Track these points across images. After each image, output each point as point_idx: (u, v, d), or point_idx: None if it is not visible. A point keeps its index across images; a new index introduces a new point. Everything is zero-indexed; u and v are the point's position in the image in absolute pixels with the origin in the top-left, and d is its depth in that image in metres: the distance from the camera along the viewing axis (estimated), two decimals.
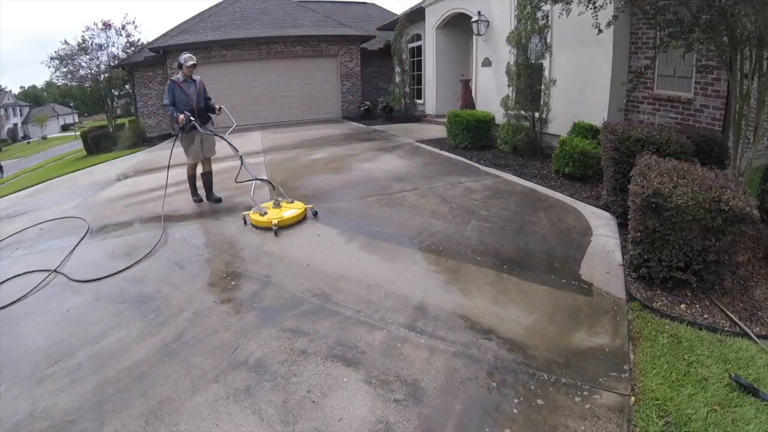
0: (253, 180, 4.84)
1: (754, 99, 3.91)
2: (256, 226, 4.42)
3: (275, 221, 4.28)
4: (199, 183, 5.65)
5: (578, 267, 3.47)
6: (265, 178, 5.28)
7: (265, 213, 4.47)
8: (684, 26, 3.98)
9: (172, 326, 2.87)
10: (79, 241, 4.54)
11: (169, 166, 5.49)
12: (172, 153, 5.44)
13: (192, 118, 5.06)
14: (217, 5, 15.36)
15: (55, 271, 3.83)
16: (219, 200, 5.56)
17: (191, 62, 5.24)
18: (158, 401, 2.23)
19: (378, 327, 2.75)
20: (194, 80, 5.38)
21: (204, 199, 5.66)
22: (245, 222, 4.59)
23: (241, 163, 4.94)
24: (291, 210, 4.57)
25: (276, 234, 4.21)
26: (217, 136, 5.39)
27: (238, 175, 4.94)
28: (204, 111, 5.38)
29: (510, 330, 2.71)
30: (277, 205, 4.66)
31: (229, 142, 5.07)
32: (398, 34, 12.34)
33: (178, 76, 5.31)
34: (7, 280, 3.78)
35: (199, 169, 5.64)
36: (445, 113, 9.22)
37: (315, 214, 4.69)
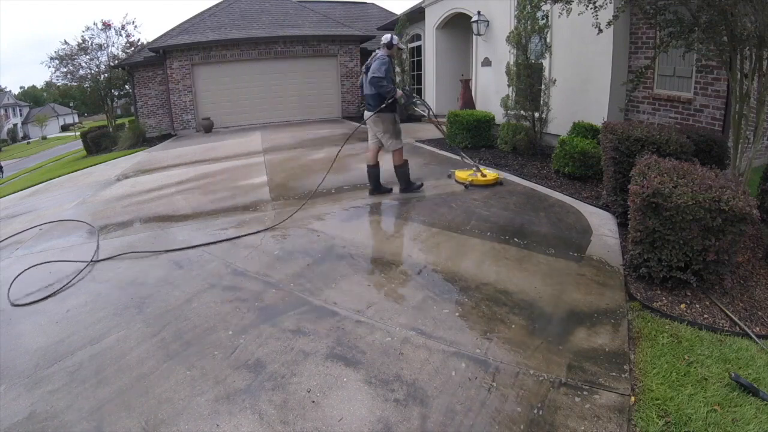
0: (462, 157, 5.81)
1: (754, 99, 3.92)
2: (485, 185, 5.43)
3: (500, 177, 5.56)
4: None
5: (578, 266, 3.47)
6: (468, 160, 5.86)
7: (485, 175, 5.51)
8: (684, 26, 3.98)
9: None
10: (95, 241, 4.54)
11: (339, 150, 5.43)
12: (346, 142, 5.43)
13: (414, 95, 4.99)
14: (217, 5, 15.36)
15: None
16: (390, 190, 5.35)
17: (403, 46, 5.26)
18: (158, 401, 2.23)
19: None
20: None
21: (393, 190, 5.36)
22: (467, 187, 5.38)
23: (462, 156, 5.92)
24: (492, 170, 5.80)
25: (501, 184, 5.49)
26: (429, 113, 5.51)
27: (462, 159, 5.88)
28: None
29: (507, 332, 2.71)
30: (478, 170, 5.58)
31: (437, 125, 5.90)
32: (398, 34, 12.32)
33: (384, 52, 4.85)
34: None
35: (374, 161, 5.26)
36: (445, 113, 9.22)
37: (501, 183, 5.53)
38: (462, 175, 5.55)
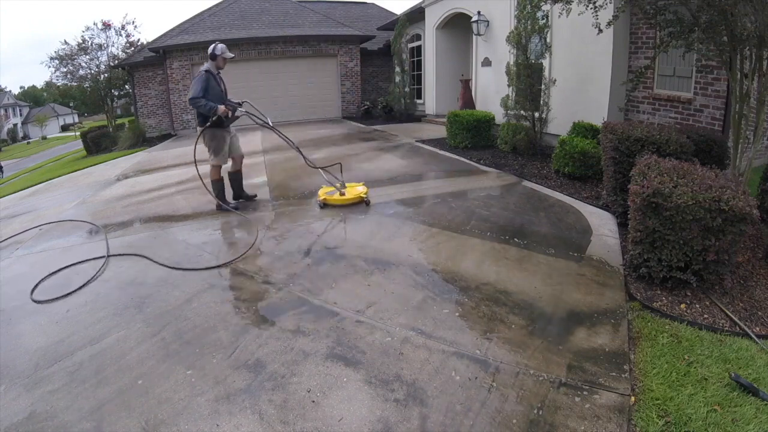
0: (317, 167, 5.19)
1: (754, 99, 3.92)
2: (341, 204, 4.87)
3: (363, 195, 4.89)
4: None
5: (578, 266, 3.47)
6: (337, 163, 5.48)
7: (344, 193, 4.95)
8: (684, 26, 3.98)
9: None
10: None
11: (195, 161, 5.18)
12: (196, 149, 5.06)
13: (240, 108, 4.76)
14: (216, 5, 15.37)
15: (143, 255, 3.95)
16: (254, 197, 5.36)
17: (230, 54, 4.80)
18: (158, 401, 2.23)
19: None
20: (221, 78, 4.93)
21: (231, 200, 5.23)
22: (322, 206, 4.91)
23: (302, 155, 5.26)
24: (360, 186, 5.12)
25: (367, 204, 4.87)
26: (267, 126, 5.14)
27: (306, 160, 5.27)
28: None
29: (505, 335, 2.71)
30: (343, 187, 5.04)
31: (280, 133, 5.25)
32: (398, 34, 12.33)
33: (208, 66, 4.74)
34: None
35: (226, 168, 5.22)
36: (445, 113, 9.22)
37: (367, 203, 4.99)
38: (321, 192, 5.06)
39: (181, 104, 13.39)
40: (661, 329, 2.69)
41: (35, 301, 3.32)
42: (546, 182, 5.63)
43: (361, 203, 4.89)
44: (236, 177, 5.30)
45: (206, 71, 4.71)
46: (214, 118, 4.66)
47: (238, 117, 4.96)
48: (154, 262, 3.81)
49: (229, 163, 5.23)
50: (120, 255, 4.06)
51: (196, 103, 4.59)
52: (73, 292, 3.40)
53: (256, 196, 5.38)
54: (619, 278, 3.29)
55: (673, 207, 2.87)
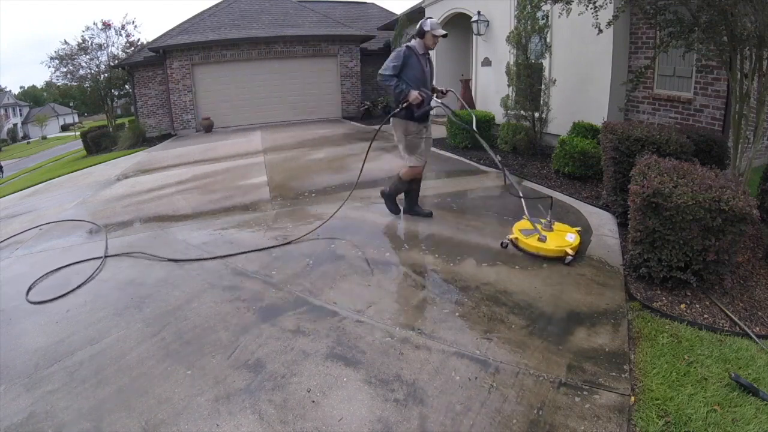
0: (521, 197, 4.02)
1: (754, 99, 3.92)
2: (535, 253, 3.58)
3: (569, 250, 3.46)
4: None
5: (578, 266, 3.46)
6: (547, 197, 4.22)
7: (545, 239, 3.59)
8: (684, 26, 3.98)
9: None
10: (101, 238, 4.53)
11: (366, 155, 4.44)
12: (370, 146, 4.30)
13: (436, 99, 3.98)
14: (216, 5, 15.36)
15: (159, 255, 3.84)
16: (430, 214, 4.43)
17: (441, 32, 3.88)
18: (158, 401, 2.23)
19: None
20: (430, 59, 4.07)
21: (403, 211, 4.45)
22: (506, 246, 3.73)
23: (505, 175, 4.33)
24: (571, 234, 3.70)
25: (567, 263, 3.42)
26: (467, 127, 4.27)
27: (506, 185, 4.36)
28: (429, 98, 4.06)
29: (502, 337, 2.71)
30: (549, 228, 3.75)
31: (483, 142, 4.19)
32: (398, 34, 12.34)
33: (414, 43, 3.96)
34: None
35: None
36: (445, 113, 9.21)
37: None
38: (515, 228, 3.83)
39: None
40: (661, 329, 2.68)
41: (30, 302, 3.32)
42: (546, 182, 5.63)
43: (563, 258, 3.49)
44: (417, 186, 4.37)
45: (408, 47, 3.91)
46: (404, 105, 3.86)
47: (431, 108, 4.10)
48: (153, 256, 3.81)
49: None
50: (117, 255, 4.06)
51: (383, 81, 3.88)
52: (69, 292, 3.40)
53: (431, 214, 4.46)
54: (619, 278, 3.29)
55: (673, 207, 2.86)
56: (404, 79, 3.88)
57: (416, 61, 3.92)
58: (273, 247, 4.00)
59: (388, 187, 4.47)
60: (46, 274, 3.76)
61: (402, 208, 4.51)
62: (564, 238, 3.64)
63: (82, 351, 2.66)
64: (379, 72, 3.94)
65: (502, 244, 3.76)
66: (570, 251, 3.47)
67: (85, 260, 3.98)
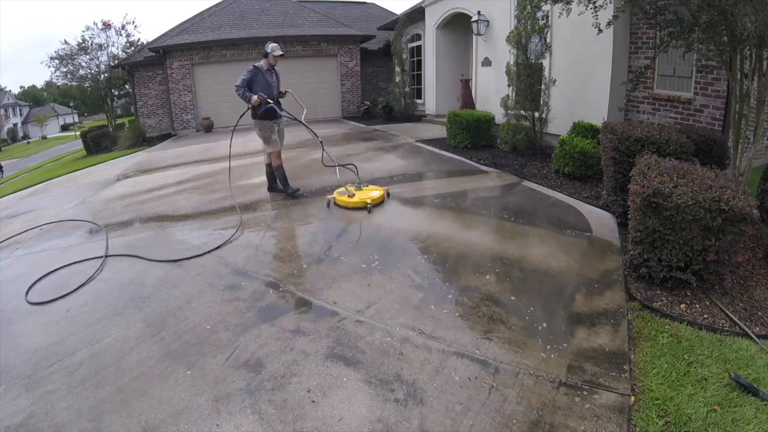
0: (336, 165, 5.26)
1: (754, 99, 3.92)
2: (345, 207, 4.78)
3: (369, 201, 4.68)
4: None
5: (578, 266, 3.46)
6: (351, 164, 5.50)
7: (353, 195, 4.84)
8: (684, 26, 3.98)
9: None
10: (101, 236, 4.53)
11: (230, 155, 5.79)
12: (232, 141, 5.67)
13: (269, 100, 5.03)
14: (216, 5, 15.37)
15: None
16: (299, 193, 5.50)
17: (279, 52, 5.22)
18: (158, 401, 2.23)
19: None
20: (275, 72, 5.34)
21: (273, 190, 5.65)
22: (329, 205, 4.91)
23: (323, 149, 5.42)
24: (375, 191, 4.97)
25: (369, 211, 4.62)
26: (297, 119, 5.43)
27: (322, 159, 5.49)
28: (278, 102, 5.38)
29: (502, 339, 2.71)
30: (359, 188, 5.00)
31: (308, 127, 5.47)
32: (398, 33, 12.33)
33: (261, 63, 5.22)
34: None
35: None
36: (445, 113, 9.23)
37: (388, 195, 5.10)
38: (348, 199, 4.93)
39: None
40: (661, 329, 2.68)
41: (30, 303, 3.32)
42: (546, 182, 5.62)
43: (365, 208, 4.70)
44: (280, 171, 5.55)
45: (255, 66, 5.15)
46: (249, 108, 5.12)
47: (273, 109, 5.20)
48: (147, 259, 3.81)
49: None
50: (117, 255, 4.06)
51: (237, 91, 5.04)
52: (69, 293, 3.40)
53: (299, 190, 5.52)
54: (619, 278, 3.29)
55: (673, 207, 2.86)
56: (253, 90, 5.04)
57: (262, 77, 5.13)
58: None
59: (278, 182, 5.56)
60: (46, 274, 3.75)
61: (288, 189, 5.49)
62: (369, 195, 4.84)
63: (82, 351, 2.66)
64: (235, 84, 5.03)
65: (327, 203, 4.96)
66: (369, 202, 4.70)
67: (85, 260, 3.98)
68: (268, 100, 5.01)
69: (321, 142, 5.33)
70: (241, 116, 5.35)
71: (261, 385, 2.30)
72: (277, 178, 5.55)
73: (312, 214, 4.80)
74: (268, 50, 5.20)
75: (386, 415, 2.08)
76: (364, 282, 3.31)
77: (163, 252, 4.04)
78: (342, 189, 5.04)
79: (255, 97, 4.94)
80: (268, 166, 5.59)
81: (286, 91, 5.52)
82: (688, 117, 5.48)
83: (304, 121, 5.38)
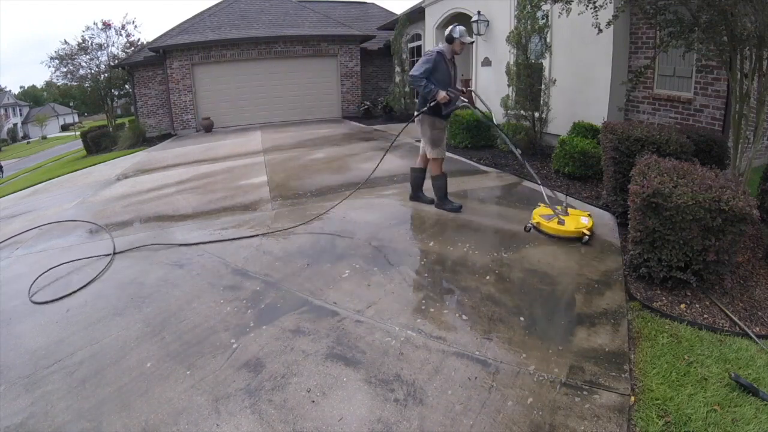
0: (539, 184, 4.43)
1: (754, 99, 3.91)
2: (554, 235, 3.91)
3: (585, 231, 3.80)
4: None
5: (578, 266, 3.46)
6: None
7: (563, 222, 3.93)
8: (684, 26, 3.98)
9: None
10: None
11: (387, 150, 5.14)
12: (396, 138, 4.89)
13: (462, 98, 4.32)
14: (216, 5, 15.36)
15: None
16: (460, 208, 4.67)
17: (469, 39, 4.29)
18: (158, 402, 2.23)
19: None
20: (455, 63, 4.45)
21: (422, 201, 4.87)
22: (529, 230, 4.04)
23: (526, 165, 4.57)
24: (584, 217, 4.06)
25: (586, 243, 3.74)
26: (491, 124, 4.73)
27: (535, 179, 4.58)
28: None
29: (501, 341, 2.71)
30: (565, 212, 4.08)
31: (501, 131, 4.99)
32: (398, 33, 12.33)
33: (442, 48, 4.31)
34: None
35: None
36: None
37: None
38: (536, 213, 4.18)
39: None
40: (661, 329, 2.68)
41: (34, 303, 3.32)
42: (546, 182, 5.61)
43: (580, 239, 3.81)
44: (420, 175, 4.84)
45: (438, 52, 4.29)
46: (431, 104, 4.24)
47: (457, 107, 4.54)
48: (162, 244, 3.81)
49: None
50: (124, 251, 4.06)
51: (413, 81, 4.23)
52: (73, 292, 3.41)
53: (434, 201, 4.77)
54: (619, 278, 3.29)
55: (673, 207, 2.86)
56: (432, 80, 4.22)
57: (444, 65, 4.28)
58: (262, 234, 4.00)
59: (435, 195, 4.73)
60: (46, 271, 3.76)
61: (447, 203, 4.69)
62: (580, 221, 3.98)
63: (82, 351, 2.66)
64: (410, 73, 4.27)
65: (525, 228, 4.07)
66: (586, 231, 3.82)
67: (87, 257, 3.98)
68: (462, 97, 4.21)
69: (524, 161, 4.51)
70: (417, 114, 4.39)
71: (261, 385, 2.30)
72: (434, 190, 4.66)
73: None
74: (456, 35, 4.23)
75: (386, 415, 2.08)
76: (363, 282, 3.31)
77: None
78: (544, 211, 4.10)
79: (442, 94, 4.09)
80: (420, 170, 4.77)
81: (468, 89, 4.56)
82: (688, 117, 5.47)
83: (496, 125, 4.81)
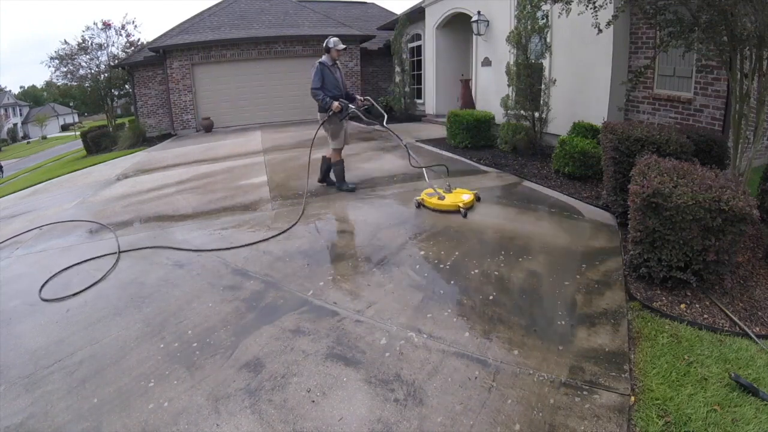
0: (421, 167, 5.22)
1: (754, 99, 3.91)
2: (435, 210, 4.58)
3: (461, 204, 4.47)
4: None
5: (578, 266, 3.46)
6: (443, 164, 5.54)
7: (443, 198, 4.62)
8: (684, 26, 3.98)
9: None
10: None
11: (312, 147, 5.62)
12: (315, 136, 5.51)
13: (351, 105, 5.14)
14: (216, 5, 15.36)
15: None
16: (354, 189, 5.57)
17: (342, 46, 5.20)
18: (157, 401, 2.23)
19: None
20: (338, 66, 5.34)
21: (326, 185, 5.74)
22: (418, 206, 4.73)
23: (408, 152, 5.42)
24: (466, 194, 4.75)
25: (464, 216, 4.39)
26: (376, 123, 5.54)
27: (411, 159, 5.49)
28: (347, 97, 5.39)
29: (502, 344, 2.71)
30: (448, 191, 4.78)
31: (392, 131, 5.50)
32: (398, 33, 12.33)
33: (324, 59, 5.19)
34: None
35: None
36: (445, 113, 9.22)
37: (478, 199, 4.91)
38: (437, 201, 4.72)
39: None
40: (661, 329, 2.69)
41: (44, 300, 3.35)
42: (546, 182, 5.62)
43: (458, 212, 4.47)
44: (340, 167, 5.69)
45: (320, 63, 5.14)
46: (330, 114, 5.17)
47: (349, 111, 5.34)
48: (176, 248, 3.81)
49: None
50: (131, 250, 4.06)
51: (314, 94, 5.16)
52: (84, 289, 3.43)
53: (355, 188, 5.59)
54: (619, 278, 3.29)
55: (673, 207, 2.86)
56: (326, 88, 5.14)
57: (329, 73, 5.19)
58: (269, 239, 4.00)
59: (335, 178, 5.68)
60: (60, 271, 3.76)
61: (343, 185, 5.62)
62: (460, 198, 4.62)
63: (82, 351, 2.66)
64: (311, 88, 5.16)
65: (415, 204, 4.76)
66: (462, 206, 4.47)
67: (99, 257, 3.98)
68: (349, 105, 5.22)
69: (406, 146, 5.31)
70: (320, 124, 5.41)
71: (261, 385, 2.30)
72: (335, 173, 5.66)
73: (312, 214, 4.80)
74: (330, 45, 5.16)
75: (386, 415, 2.08)
76: (363, 282, 3.31)
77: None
78: (430, 191, 4.80)
79: (336, 104, 5.07)
80: (327, 159, 5.70)
81: (365, 99, 5.63)
82: (688, 117, 5.47)
83: (388, 126, 5.46)
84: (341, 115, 5.17)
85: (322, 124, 5.35)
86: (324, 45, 5.26)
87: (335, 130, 5.37)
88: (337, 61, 5.33)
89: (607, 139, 4.30)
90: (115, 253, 4.08)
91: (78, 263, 3.94)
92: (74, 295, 3.36)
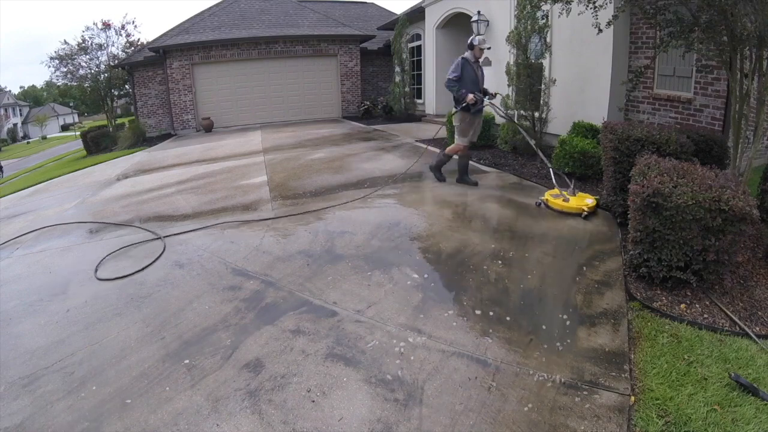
0: (551, 169, 5.24)
1: (754, 99, 3.91)
2: (559, 210, 4.60)
3: (585, 208, 4.45)
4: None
5: (578, 267, 3.46)
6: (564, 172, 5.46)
7: (568, 200, 4.62)
8: (684, 26, 3.98)
9: None
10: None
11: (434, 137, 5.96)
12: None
13: (484, 99, 5.28)
14: (217, 5, 15.37)
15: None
16: (476, 183, 5.65)
17: (486, 45, 5.38)
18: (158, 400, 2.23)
19: None
20: (480, 64, 5.47)
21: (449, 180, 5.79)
22: (540, 205, 4.77)
23: (540, 154, 5.49)
24: (589, 199, 4.71)
25: (585, 218, 4.38)
26: (507, 118, 5.83)
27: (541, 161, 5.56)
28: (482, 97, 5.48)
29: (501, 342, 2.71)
30: (573, 194, 4.75)
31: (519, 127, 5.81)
32: (398, 33, 12.33)
33: (467, 55, 5.35)
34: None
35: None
36: (445, 113, 9.22)
37: (598, 206, 4.76)
38: (562, 203, 4.67)
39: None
40: (661, 329, 2.69)
41: (99, 279, 3.57)
42: (546, 182, 5.61)
43: (579, 214, 4.45)
44: (464, 162, 5.76)
45: (463, 58, 5.33)
46: (463, 105, 5.25)
47: (483, 106, 5.50)
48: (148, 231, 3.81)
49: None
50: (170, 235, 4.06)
51: (447, 85, 5.33)
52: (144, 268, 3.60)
53: (477, 183, 5.67)
54: (619, 278, 3.29)
55: (673, 207, 2.86)
56: (464, 81, 5.24)
57: (470, 69, 5.32)
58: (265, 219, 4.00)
59: (435, 161, 5.85)
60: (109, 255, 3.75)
61: (444, 178, 5.79)
62: (584, 202, 4.59)
63: (81, 351, 2.66)
64: (447, 77, 5.31)
65: (536, 203, 4.82)
66: (586, 208, 4.44)
67: (140, 242, 3.99)
68: (483, 99, 5.32)
69: (550, 167, 5.26)
70: (454, 112, 5.47)
71: (261, 385, 2.30)
72: (440, 165, 5.80)
73: (314, 214, 4.80)
74: (475, 42, 5.35)
75: (386, 415, 2.08)
76: (364, 282, 3.31)
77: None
78: (555, 191, 4.84)
79: (471, 96, 5.12)
80: (447, 156, 5.80)
81: (496, 93, 5.79)
82: (688, 117, 5.47)
83: (516, 122, 5.93)
84: (474, 108, 5.23)
85: (453, 114, 5.48)
86: (468, 42, 5.41)
87: (465, 126, 5.41)
88: (480, 60, 5.46)
89: (607, 139, 4.30)
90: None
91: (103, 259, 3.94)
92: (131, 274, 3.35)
